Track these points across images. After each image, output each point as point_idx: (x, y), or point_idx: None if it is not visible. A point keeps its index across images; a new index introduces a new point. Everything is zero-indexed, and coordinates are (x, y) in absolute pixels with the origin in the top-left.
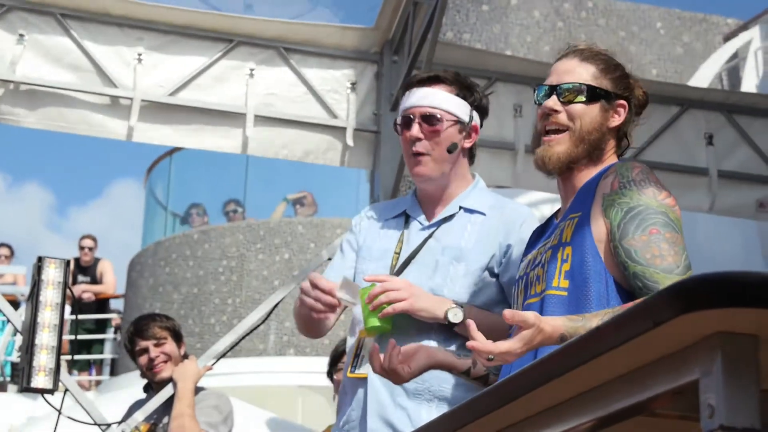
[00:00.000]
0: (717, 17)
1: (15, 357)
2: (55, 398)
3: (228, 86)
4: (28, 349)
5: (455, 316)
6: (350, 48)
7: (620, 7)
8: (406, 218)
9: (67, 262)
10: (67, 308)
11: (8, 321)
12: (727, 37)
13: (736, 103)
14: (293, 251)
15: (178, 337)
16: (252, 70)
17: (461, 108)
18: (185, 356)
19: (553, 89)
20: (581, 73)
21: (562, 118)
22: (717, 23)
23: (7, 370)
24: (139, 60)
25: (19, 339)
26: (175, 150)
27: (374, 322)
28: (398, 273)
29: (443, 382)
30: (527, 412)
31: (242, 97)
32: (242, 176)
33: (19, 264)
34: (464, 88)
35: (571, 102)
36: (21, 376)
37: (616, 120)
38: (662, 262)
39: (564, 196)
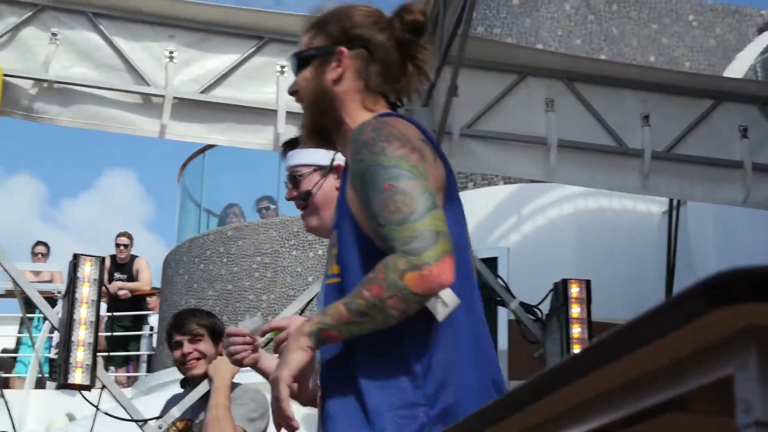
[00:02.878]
0: (750, 9)
1: (53, 354)
2: (93, 394)
3: (259, 83)
4: (65, 345)
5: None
6: None
7: None
8: None
9: (102, 260)
10: (104, 305)
11: (46, 318)
12: (761, 29)
13: None
14: (327, 247)
15: (216, 336)
16: (283, 67)
17: (319, 155)
18: (221, 354)
19: None
20: (300, 46)
21: (298, 94)
22: (750, 14)
23: (46, 367)
24: (171, 58)
25: (56, 336)
26: (208, 147)
27: None
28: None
29: None
30: (558, 409)
31: (273, 93)
32: (275, 173)
33: (14, 258)
34: None
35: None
36: (58, 372)
37: (336, 72)
38: (397, 216)
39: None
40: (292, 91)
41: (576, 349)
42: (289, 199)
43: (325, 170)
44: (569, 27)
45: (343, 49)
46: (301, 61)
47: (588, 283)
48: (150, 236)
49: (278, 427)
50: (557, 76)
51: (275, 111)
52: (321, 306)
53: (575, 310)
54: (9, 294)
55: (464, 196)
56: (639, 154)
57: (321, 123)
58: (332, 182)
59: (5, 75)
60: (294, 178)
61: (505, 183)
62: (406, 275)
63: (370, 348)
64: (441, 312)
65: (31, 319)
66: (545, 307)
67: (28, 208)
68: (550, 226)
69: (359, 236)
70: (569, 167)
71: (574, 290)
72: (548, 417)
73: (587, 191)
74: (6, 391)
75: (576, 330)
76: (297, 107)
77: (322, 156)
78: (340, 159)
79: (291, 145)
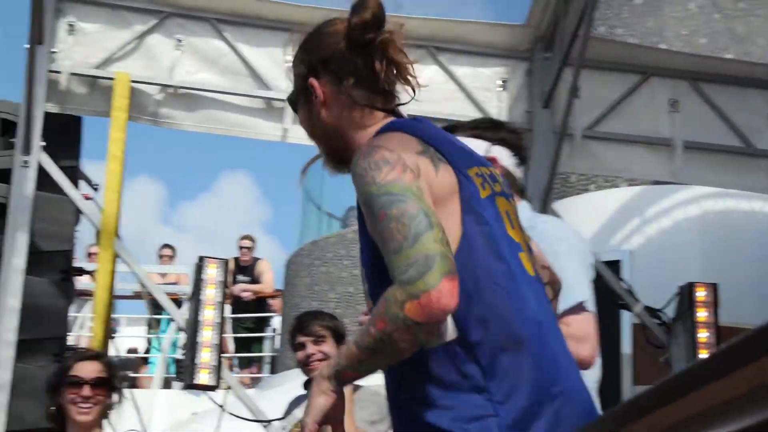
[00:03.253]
0: None
1: (179, 354)
2: (218, 395)
3: None
4: (191, 346)
5: None
6: (501, 45)
7: None
8: None
9: (226, 262)
10: (227, 307)
11: (173, 319)
12: None
13: None
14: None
15: (338, 338)
16: None
17: (474, 145)
18: None
19: None
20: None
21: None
22: None
23: (172, 368)
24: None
25: (182, 337)
26: None
27: None
28: None
29: None
30: (684, 415)
31: None
32: None
33: (145, 260)
34: (480, 129)
35: None
36: (185, 373)
37: (317, 103)
38: (393, 245)
39: None
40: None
41: (702, 354)
42: None
43: None
44: (694, 26)
45: (313, 81)
46: (292, 106)
47: (715, 286)
48: (267, 238)
49: None
50: (682, 77)
51: None
52: None
53: (701, 314)
54: (137, 296)
55: (585, 198)
56: (767, 154)
57: (336, 154)
58: None
59: (132, 81)
60: None
61: (629, 185)
62: (406, 305)
63: (426, 365)
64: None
65: (158, 320)
66: (670, 311)
67: (149, 211)
68: (675, 228)
69: (382, 267)
70: (694, 168)
71: (701, 294)
72: (674, 423)
73: (713, 192)
74: (134, 391)
75: (702, 334)
76: (417, 108)
77: (477, 146)
78: (494, 152)
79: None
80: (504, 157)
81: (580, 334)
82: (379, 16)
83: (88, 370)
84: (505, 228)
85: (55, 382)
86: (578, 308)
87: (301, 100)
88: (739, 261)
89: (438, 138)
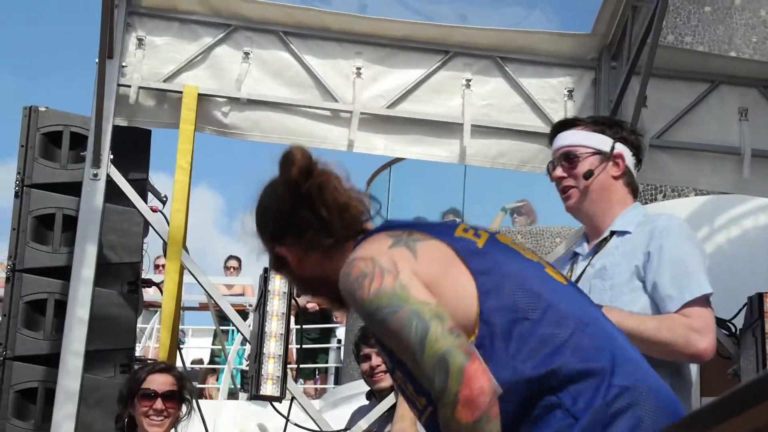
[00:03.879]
0: None
1: (245, 365)
2: (283, 406)
3: (445, 97)
4: (257, 357)
5: None
6: (567, 55)
7: None
8: (574, 254)
9: None
10: (293, 318)
11: (238, 331)
12: None
13: None
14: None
15: None
16: (468, 80)
17: (599, 140)
18: None
19: None
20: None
21: None
22: None
23: (238, 379)
24: (358, 74)
25: (248, 348)
26: (393, 161)
27: None
28: None
29: None
30: (751, 427)
31: (459, 107)
32: (460, 186)
33: (207, 270)
34: (602, 125)
35: None
36: (250, 384)
37: (297, 265)
38: (408, 356)
39: None
40: None
41: None
42: (557, 178)
43: (605, 156)
44: (765, 33)
45: (280, 250)
46: (277, 272)
47: None
48: None
49: None
50: (752, 84)
51: (461, 125)
52: None
53: None
54: (203, 307)
55: (653, 207)
56: None
57: (336, 295)
58: (609, 170)
59: (200, 94)
60: (569, 157)
61: (697, 194)
62: (456, 416)
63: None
64: None
65: (225, 332)
66: (739, 322)
67: (208, 220)
68: (744, 238)
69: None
70: (764, 179)
71: None
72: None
73: None
74: (200, 401)
75: None
76: (483, 120)
77: (602, 141)
78: (619, 148)
79: (565, 125)
80: (627, 155)
81: (700, 325)
82: (306, 166)
83: (160, 382)
84: (520, 254)
85: (127, 393)
86: (703, 300)
87: (280, 266)
88: None
89: (411, 224)
